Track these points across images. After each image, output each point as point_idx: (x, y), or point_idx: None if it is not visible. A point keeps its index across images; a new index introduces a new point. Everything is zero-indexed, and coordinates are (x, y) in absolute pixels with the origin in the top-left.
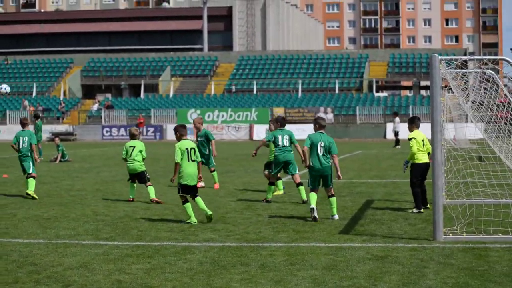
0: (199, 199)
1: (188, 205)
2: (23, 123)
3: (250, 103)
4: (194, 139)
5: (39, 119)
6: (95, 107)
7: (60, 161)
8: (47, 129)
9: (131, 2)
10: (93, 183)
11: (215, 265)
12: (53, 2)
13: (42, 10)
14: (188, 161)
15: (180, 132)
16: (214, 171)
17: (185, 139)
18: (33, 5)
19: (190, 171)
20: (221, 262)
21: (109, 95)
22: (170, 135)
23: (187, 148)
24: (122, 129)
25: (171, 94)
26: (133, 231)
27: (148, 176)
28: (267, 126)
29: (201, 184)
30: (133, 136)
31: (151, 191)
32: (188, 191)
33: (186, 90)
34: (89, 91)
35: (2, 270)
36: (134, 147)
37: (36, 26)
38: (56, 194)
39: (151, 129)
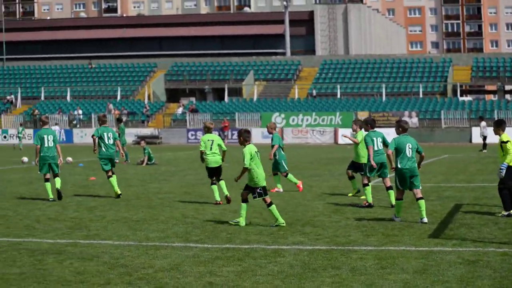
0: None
1: (245, 206)
2: (102, 120)
3: (334, 107)
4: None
5: (122, 123)
6: (180, 110)
7: (146, 164)
8: (133, 133)
9: (213, 6)
10: (180, 186)
11: (305, 268)
12: (134, 7)
13: (124, 15)
14: (258, 164)
15: (244, 136)
16: (287, 175)
17: (250, 144)
18: (115, 10)
19: (262, 173)
20: (311, 265)
21: (193, 99)
22: (255, 138)
23: (256, 152)
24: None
25: (255, 98)
26: (222, 234)
27: None
28: (351, 129)
29: (278, 189)
30: (208, 130)
31: (223, 185)
32: (266, 192)
33: (269, 94)
34: (173, 95)
35: (94, 271)
36: (212, 140)
37: (118, 31)
38: (144, 196)
39: (236, 133)
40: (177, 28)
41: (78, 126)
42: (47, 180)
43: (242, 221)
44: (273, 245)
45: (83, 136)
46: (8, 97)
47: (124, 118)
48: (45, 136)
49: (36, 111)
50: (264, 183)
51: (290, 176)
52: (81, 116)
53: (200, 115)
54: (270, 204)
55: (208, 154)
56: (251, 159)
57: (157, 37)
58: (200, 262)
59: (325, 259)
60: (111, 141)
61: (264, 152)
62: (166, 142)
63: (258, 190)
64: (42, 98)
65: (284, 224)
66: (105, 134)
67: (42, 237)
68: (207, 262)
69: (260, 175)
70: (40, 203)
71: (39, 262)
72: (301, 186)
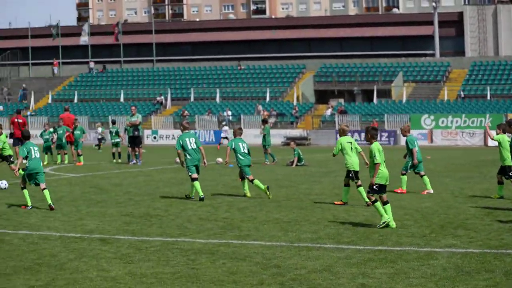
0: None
1: (379, 205)
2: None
3: (484, 109)
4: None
5: (267, 124)
6: (329, 112)
7: (296, 165)
8: (281, 134)
9: (361, 8)
10: (331, 187)
11: (459, 271)
12: (283, 9)
13: (273, 16)
14: (383, 163)
15: (371, 133)
16: (424, 175)
17: (376, 141)
18: (263, 12)
19: (386, 171)
20: (465, 268)
21: (341, 100)
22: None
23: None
24: (356, 134)
25: (404, 100)
26: (374, 236)
27: None
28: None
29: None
30: (344, 132)
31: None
32: (383, 191)
33: (418, 96)
34: (322, 96)
35: (247, 271)
36: (350, 142)
37: (267, 32)
38: (295, 197)
39: (385, 135)
40: (326, 30)
41: (227, 127)
42: (194, 179)
43: (384, 218)
44: (426, 248)
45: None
46: (158, 98)
47: (273, 120)
48: (187, 140)
49: (186, 112)
50: (385, 181)
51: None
52: (230, 117)
53: (349, 116)
54: (386, 203)
55: (351, 157)
56: (379, 156)
57: (305, 38)
58: (352, 263)
59: (478, 262)
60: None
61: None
62: (315, 143)
63: (375, 186)
64: (192, 99)
65: (393, 224)
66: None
67: (195, 237)
68: (360, 263)
69: (384, 172)
70: (190, 203)
71: (192, 261)
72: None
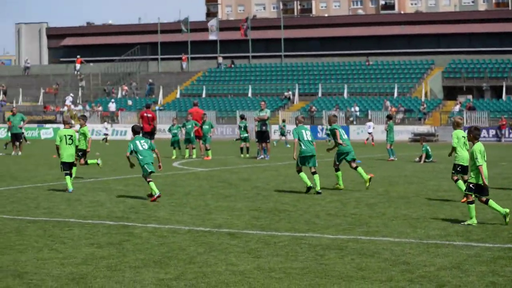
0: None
1: (473, 207)
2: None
3: None
4: None
5: (391, 120)
6: (457, 108)
7: (424, 161)
8: (409, 130)
9: (490, 3)
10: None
11: None
12: (412, 4)
13: (402, 12)
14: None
15: (474, 134)
16: None
17: (478, 142)
18: (392, 7)
19: (486, 171)
20: None
21: (470, 97)
22: None
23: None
24: (484, 131)
25: None
26: (503, 233)
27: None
28: None
29: None
30: (458, 125)
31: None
32: (480, 191)
33: None
34: (450, 92)
35: (375, 268)
36: (464, 137)
37: (396, 28)
38: (424, 194)
39: None
40: (455, 25)
41: (354, 122)
42: (300, 171)
43: (471, 221)
44: None
45: (359, 132)
46: (285, 93)
47: (400, 116)
48: (303, 131)
49: (314, 107)
50: (480, 182)
51: None
52: (358, 113)
53: (477, 113)
54: (487, 202)
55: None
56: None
57: (434, 34)
58: (482, 261)
59: None
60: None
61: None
62: (443, 140)
63: (471, 185)
64: (319, 94)
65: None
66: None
67: (323, 232)
68: (489, 261)
69: (484, 174)
70: (319, 198)
71: (321, 257)
72: None
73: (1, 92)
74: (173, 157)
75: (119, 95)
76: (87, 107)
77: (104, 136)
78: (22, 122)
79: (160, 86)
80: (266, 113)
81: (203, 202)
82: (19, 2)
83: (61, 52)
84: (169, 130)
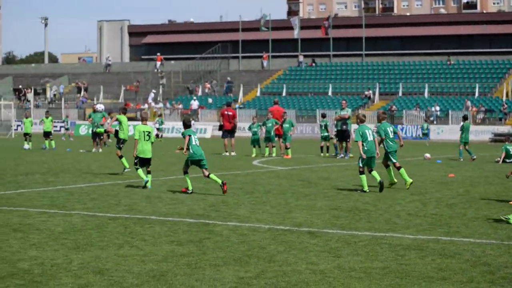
0: None
1: None
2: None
3: None
4: None
5: (467, 121)
6: None
7: (504, 161)
8: (489, 130)
9: None
10: None
11: None
12: (494, 3)
13: (484, 11)
14: None
15: None
16: None
17: None
18: (474, 6)
19: None
20: None
21: None
22: None
23: None
24: None
25: None
26: None
27: None
28: None
29: None
30: None
31: None
32: None
33: None
34: None
35: (456, 268)
36: None
37: (478, 27)
38: (504, 195)
39: None
40: None
41: (435, 122)
42: (361, 172)
43: None
44: None
45: (440, 132)
46: (366, 92)
47: (481, 116)
48: (366, 131)
49: (394, 107)
50: None
51: None
52: (438, 113)
53: None
54: None
55: None
56: None
57: None
58: None
59: None
60: (392, 135)
61: None
62: None
63: None
64: (400, 94)
65: None
66: (388, 129)
67: (403, 232)
68: None
69: None
70: (399, 198)
71: (401, 257)
72: None
73: (82, 89)
74: (253, 155)
75: (200, 93)
76: (168, 105)
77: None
78: (103, 119)
79: (241, 84)
80: (347, 112)
81: (283, 200)
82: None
83: (142, 50)
84: (249, 128)
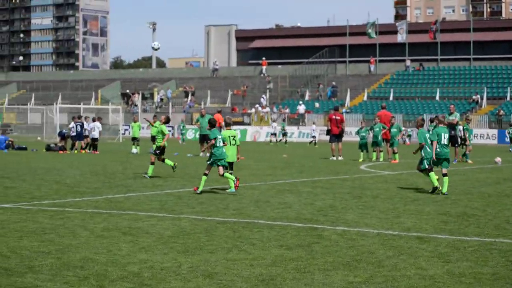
0: None
1: None
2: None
3: None
4: None
5: None
6: None
7: None
8: None
9: None
10: None
11: None
12: None
13: None
14: None
15: None
16: None
17: None
18: None
19: None
20: None
21: None
22: None
23: None
24: None
25: None
26: None
27: None
28: None
29: None
30: None
31: None
32: None
33: None
34: None
35: None
36: None
37: None
38: None
39: None
40: None
41: None
42: (430, 170)
43: None
44: None
45: None
46: (473, 97)
47: None
48: (442, 134)
49: (502, 111)
50: None
51: None
52: None
53: None
54: None
55: None
56: None
57: None
58: None
59: None
60: (446, 141)
61: None
62: None
63: None
64: (508, 98)
65: None
66: (442, 135)
67: None
68: None
69: None
70: (509, 203)
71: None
72: None
73: (190, 94)
74: (360, 159)
75: (306, 97)
76: (275, 109)
77: (311, 139)
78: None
79: (348, 88)
80: (455, 117)
81: (391, 205)
82: (209, 5)
83: (250, 54)
84: (357, 132)
